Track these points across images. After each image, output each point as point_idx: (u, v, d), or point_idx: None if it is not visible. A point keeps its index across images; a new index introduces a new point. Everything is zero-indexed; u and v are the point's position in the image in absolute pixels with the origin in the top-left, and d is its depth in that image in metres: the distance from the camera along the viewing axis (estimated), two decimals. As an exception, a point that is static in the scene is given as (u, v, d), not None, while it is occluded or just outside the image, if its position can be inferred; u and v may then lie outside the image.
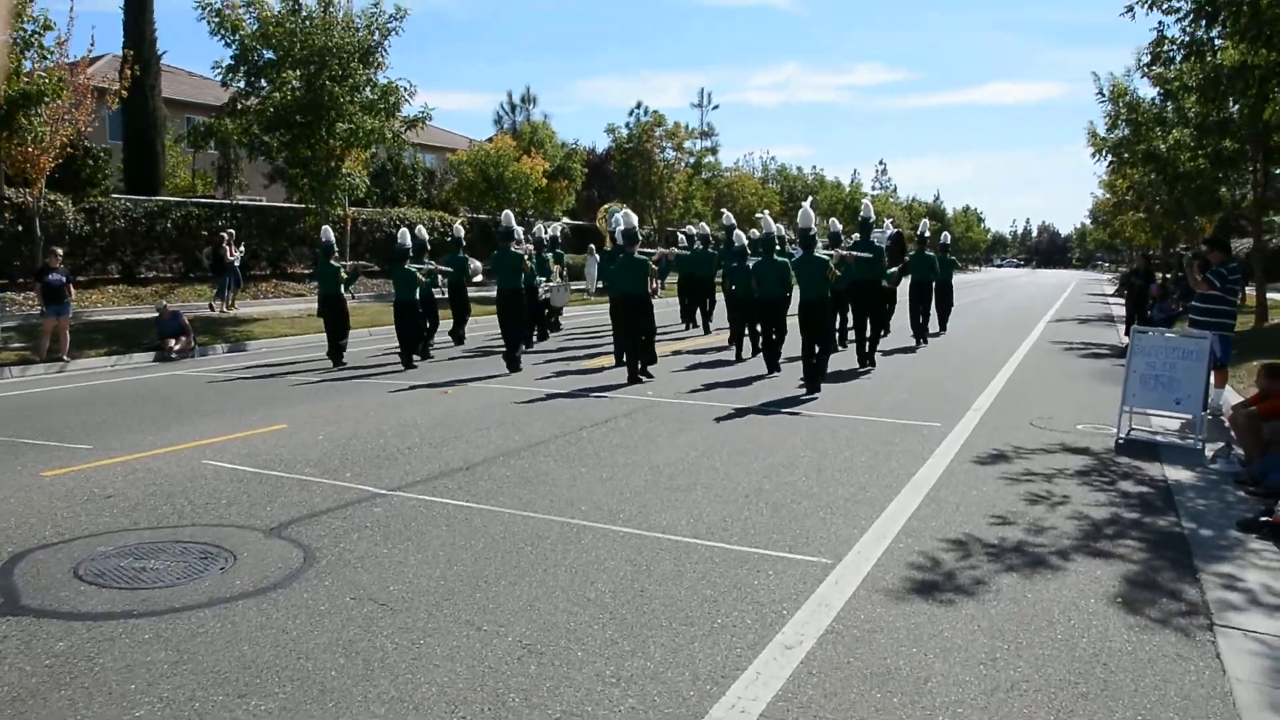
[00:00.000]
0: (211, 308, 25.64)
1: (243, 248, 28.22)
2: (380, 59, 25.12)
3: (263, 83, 24.76)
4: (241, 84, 25.03)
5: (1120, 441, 10.15)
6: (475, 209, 37.09)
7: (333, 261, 16.90)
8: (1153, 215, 37.03)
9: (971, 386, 13.95)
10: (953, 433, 10.43)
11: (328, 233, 17.20)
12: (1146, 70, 21.55)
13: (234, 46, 23.67)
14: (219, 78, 24.81)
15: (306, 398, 13.09)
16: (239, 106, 26.11)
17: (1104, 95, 26.17)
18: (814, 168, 70.16)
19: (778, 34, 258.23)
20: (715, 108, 67.39)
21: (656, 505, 7.51)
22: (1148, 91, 25.12)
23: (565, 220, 42.74)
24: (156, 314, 20.13)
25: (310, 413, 11.77)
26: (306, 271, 34.52)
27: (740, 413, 11.77)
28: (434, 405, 12.29)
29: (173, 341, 19.36)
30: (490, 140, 38.29)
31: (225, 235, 26.74)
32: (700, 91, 63.51)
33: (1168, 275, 28.25)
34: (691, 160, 46.78)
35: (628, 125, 45.80)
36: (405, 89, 25.03)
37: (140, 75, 31.44)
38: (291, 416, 11.47)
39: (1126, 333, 20.26)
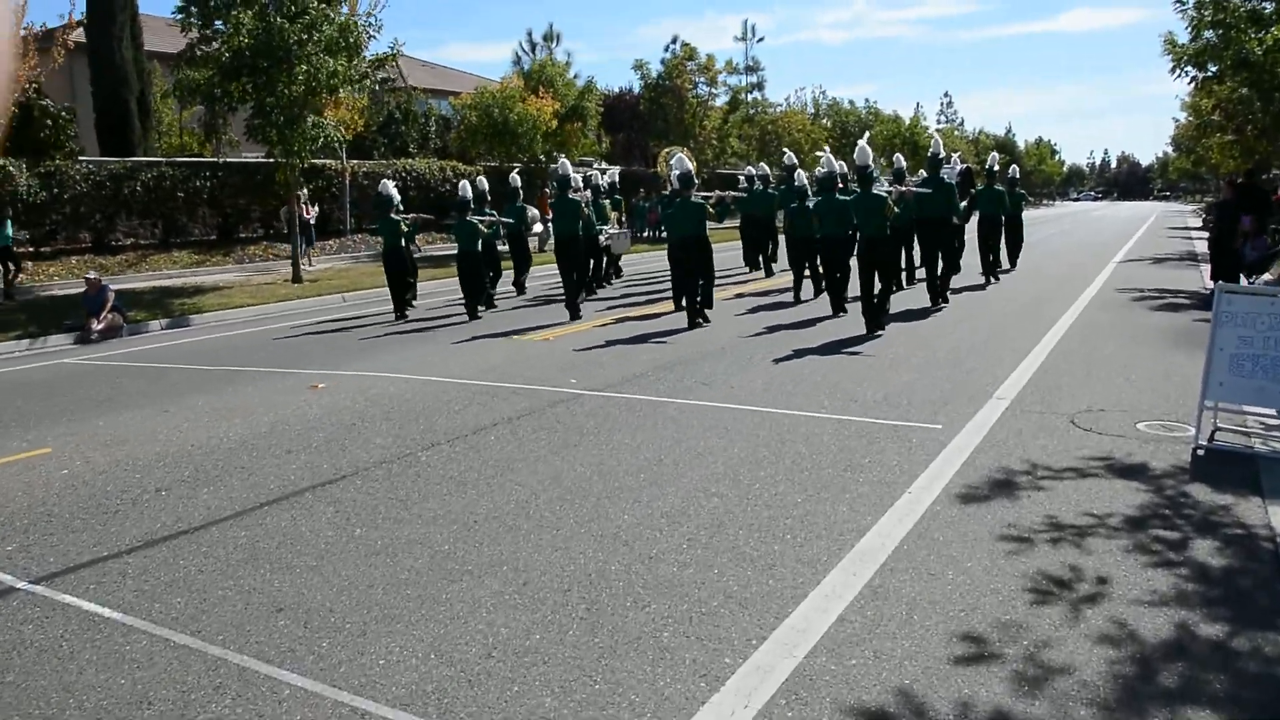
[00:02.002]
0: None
1: (317, 207, 28.03)
2: (342, -10, 22.19)
3: (220, 25, 22.03)
4: (197, 29, 22.30)
5: (1200, 452, 6.92)
6: (480, 157, 34.00)
7: (393, 215, 16.72)
8: (1244, 137, 32.60)
9: (1004, 357, 10.73)
10: (955, 440, 7.33)
11: (387, 186, 17.08)
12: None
13: (184, -18, 21.01)
14: (179, 20, 22.14)
15: (218, 386, 10.30)
16: (197, 53, 23.42)
17: (1181, 3, 22.06)
18: (868, 101, 65.38)
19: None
20: (760, 40, 63.14)
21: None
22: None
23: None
24: (84, 288, 17.61)
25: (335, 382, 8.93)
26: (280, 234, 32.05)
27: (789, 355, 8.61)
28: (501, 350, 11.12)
29: (94, 321, 16.80)
30: (500, 82, 35.02)
31: (301, 194, 26.14)
32: (744, 24, 58.96)
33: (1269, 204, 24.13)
34: (726, 96, 43.07)
35: (662, 62, 42.34)
36: (370, 24, 22.01)
37: (104, 25, 29.13)
38: (188, 412, 8.66)
39: (1212, 277, 16.80)
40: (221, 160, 29.89)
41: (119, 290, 21.31)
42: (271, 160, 24.12)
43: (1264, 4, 20.29)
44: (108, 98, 28.96)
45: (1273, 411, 7.37)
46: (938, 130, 79.47)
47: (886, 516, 5.68)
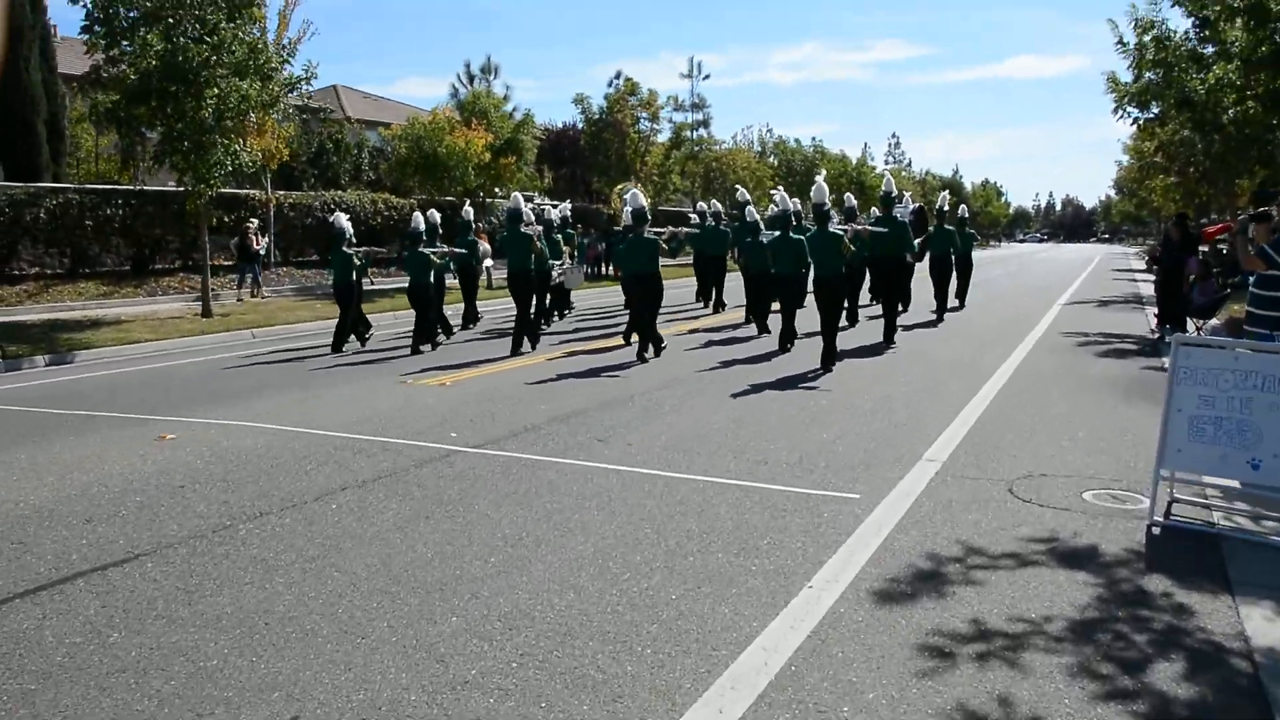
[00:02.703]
0: (240, 299, 25.89)
1: (268, 237, 28.22)
2: (255, 11, 20.98)
3: (126, 46, 20.78)
4: (103, 49, 21.04)
5: (1155, 531, 5.88)
6: (412, 190, 32.73)
7: (345, 249, 16.28)
8: (1185, 179, 32.33)
9: (939, 409, 9.69)
10: (874, 514, 6.23)
11: (340, 219, 16.72)
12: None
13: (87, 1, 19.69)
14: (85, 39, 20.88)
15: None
16: (103, 75, 22.17)
17: (1123, 45, 21.54)
18: (814, 140, 65.08)
19: (798, 12, 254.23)
20: (706, 78, 62.62)
21: None
22: (1180, 23, 20.57)
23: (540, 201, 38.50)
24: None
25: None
26: (227, 263, 30.56)
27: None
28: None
29: (-45, 358, 15.44)
30: (433, 113, 33.83)
31: (250, 225, 26.73)
32: (690, 61, 58.24)
33: (1214, 248, 23.64)
34: (668, 132, 42.29)
35: (605, 97, 41.47)
36: (280, 46, 20.89)
37: (10, 45, 27.63)
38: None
39: (1160, 324, 16.01)
40: (137, 188, 28.37)
41: (9, 323, 19.88)
42: (181, 188, 22.76)
43: (1204, 46, 19.77)
44: (12, 120, 27.40)
45: (1236, 483, 6.31)
46: (884, 171, 79.67)
47: (777, 621, 4.55)
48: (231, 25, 20.48)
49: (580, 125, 44.80)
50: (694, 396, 10.77)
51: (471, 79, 41.09)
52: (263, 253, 27.33)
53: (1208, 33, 19.08)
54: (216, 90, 20.30)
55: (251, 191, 31.56)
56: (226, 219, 29.76)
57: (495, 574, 5.25)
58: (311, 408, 10.52)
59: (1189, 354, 6.12)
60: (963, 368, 12.68)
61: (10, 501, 6.96)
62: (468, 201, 26.49)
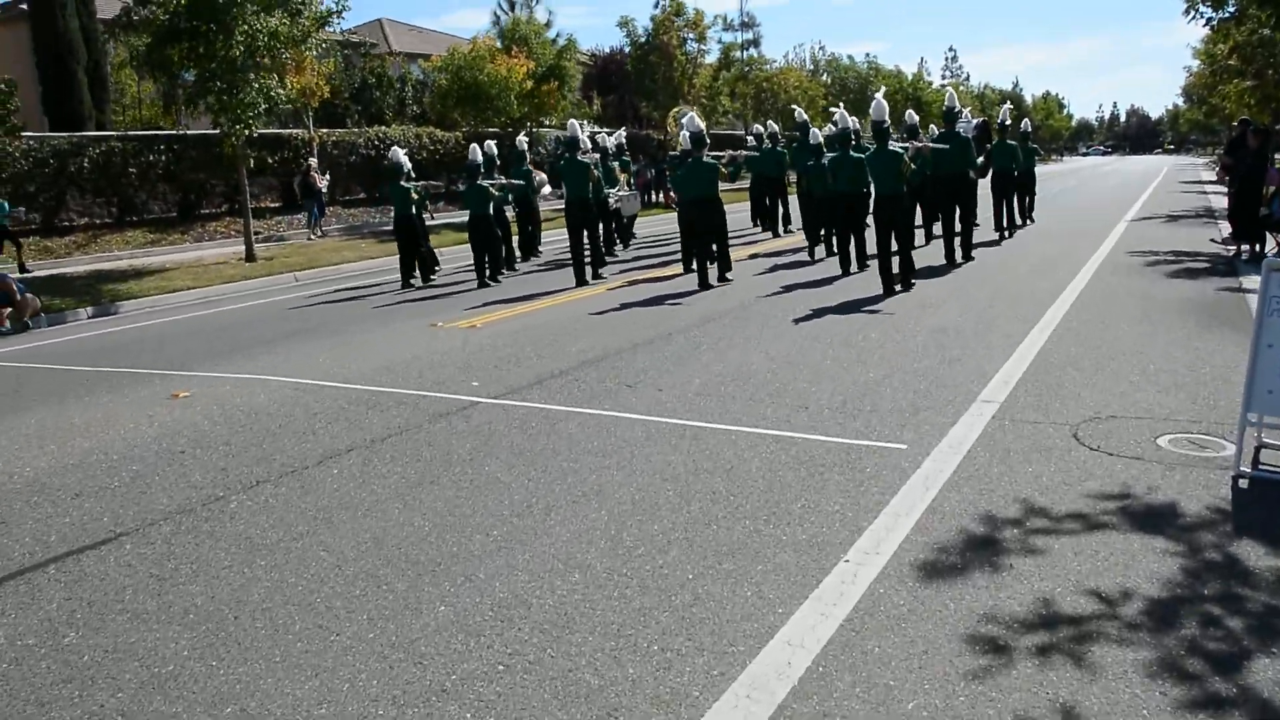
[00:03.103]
0: (309, 237, 26.30)
1: (328, 175, 28.24)
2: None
3: (154, -15, 20.37)
4: (129, -12, 20.65)
5: (1242, 484, 5.18)
6: (457, 122, 32.02)
7: (403, 183, 16.36)
8: (1263, 82, 30.47)
9: (997, 342, 8.98)
10: (923, 467, 5.62)
11: (397, 153, 16.80)
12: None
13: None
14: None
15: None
16: (134, 18, 21.76)
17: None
18: (869, 56, 63.06)
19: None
20: (758, -6, 60.70)
21: None
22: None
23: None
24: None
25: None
26: (274, 205, 30.32)
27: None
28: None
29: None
30: (473, 41, 32.98)
31: (310, 163, 26.93)
32: (739, -23, 56.47)
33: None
34: (715, 53, 40.99)
35: (651, 18, 40.19)
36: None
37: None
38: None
39: (1234, 237, 14.95)
40: (180, 132, 28.03)
41: (56, 275, 19.78)
42: (218, 130, 22.37)
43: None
44: (52, 68, 27.12)
45: (1338, 426, 5.58)
46: (940, 87, 77.12)
47: (805, 607, 3.98)
48: (256, -42, 19.82)
49: (627, 49, 43.60)
50: (735, 332, 10.14)
51: (513, 5, 39.92)
52: (324, 190, 27.44)
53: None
54: (245, 27, 19.75)
55: (295, 130, 31.14)
56: (270, 160, 29.43)
57: (496, 550, 4.73)
58: (335, 357, 10.07)
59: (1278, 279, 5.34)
60: (1023, 294, 11.88)
61: (4, 474, 6.57)
62: (522, 132, 26.14)
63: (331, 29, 23.38)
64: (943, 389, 7.42)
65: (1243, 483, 5.28)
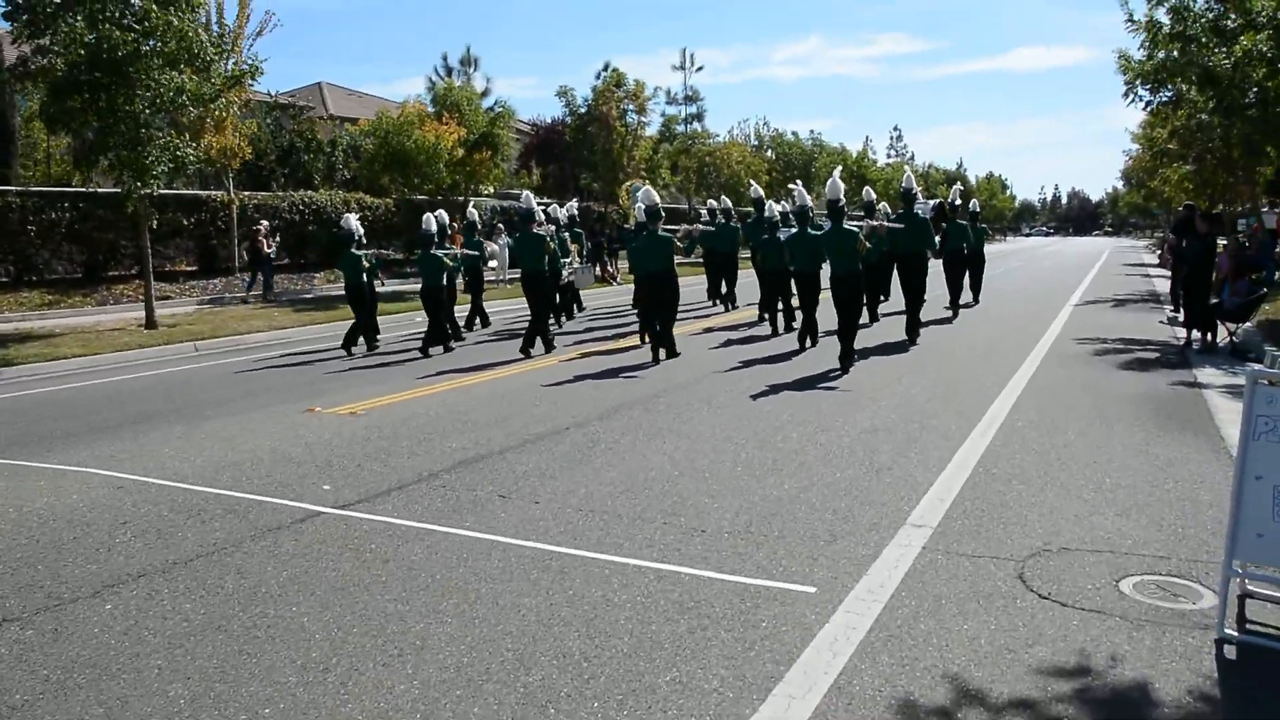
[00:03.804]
0: (245, 300, 25.60)
1: (277, 238, 27.76)
2: (194, -1, 19.34)
3: (51, 33, 19.19)
4: (26, 37, 19.42)
5: (1228, 650, 4.11)
6: (386, 189, 30.92)
7: (354, 250, 16.23)
8: (1203, 166, 30.35)
9: (933, 446, 7.91)
10: (831, 622, 4.48)
11: (349, 220, 16.79)
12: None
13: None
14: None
15: None
16: (31, 67, 20.52)
17: (1133, 21, 19.56)
18: (813, 133, 63.18)
19: (799, 6, 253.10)
20: (699, 69, 60.94)
21: None
22: (1199, -7, 18.61)
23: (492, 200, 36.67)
24: None
25: None
26: (188, 269, 28.89)
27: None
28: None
29: None
30: (402, 106, 32.00)
31: (260, 227, 26.35)
32: (682, 53, 56.53)
33: (1239, 236, 21.75)
34: (656, 125, 40.45)
35: (592, 89, 39.59)
36: (211, 35, 19.22)
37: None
38: None
39: (1184, 325, 14.20)
40: (89, 189, 26.57)
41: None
42: (119, 188, 21.09)
43: (1225, 19, 17.85)
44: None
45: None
46: (886, 165, 77.91)
47: None
48: (164, 12, 18.72)
49: (568, 120, 42.98)
50: (642, 426, 9.00)
51: (449, 71, 39.19)
52: (272, 255, 26.69)
53: (1229, 2, 17.19)
54: (149, 81, 18.62)
55: (213, 192, 29.89)
56: (186, 221, 28.15)
57: None
58: (183, 447, 8.75)
59: (1273, 396, 4.29)
60: (965, 384, 10.91)
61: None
62: (473, 203, 25.39)
63: (261, 89, 22.26)
64: (867, 508, 6.29)
65: (1229, 650, 4.19)
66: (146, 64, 18.54)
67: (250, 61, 20.67)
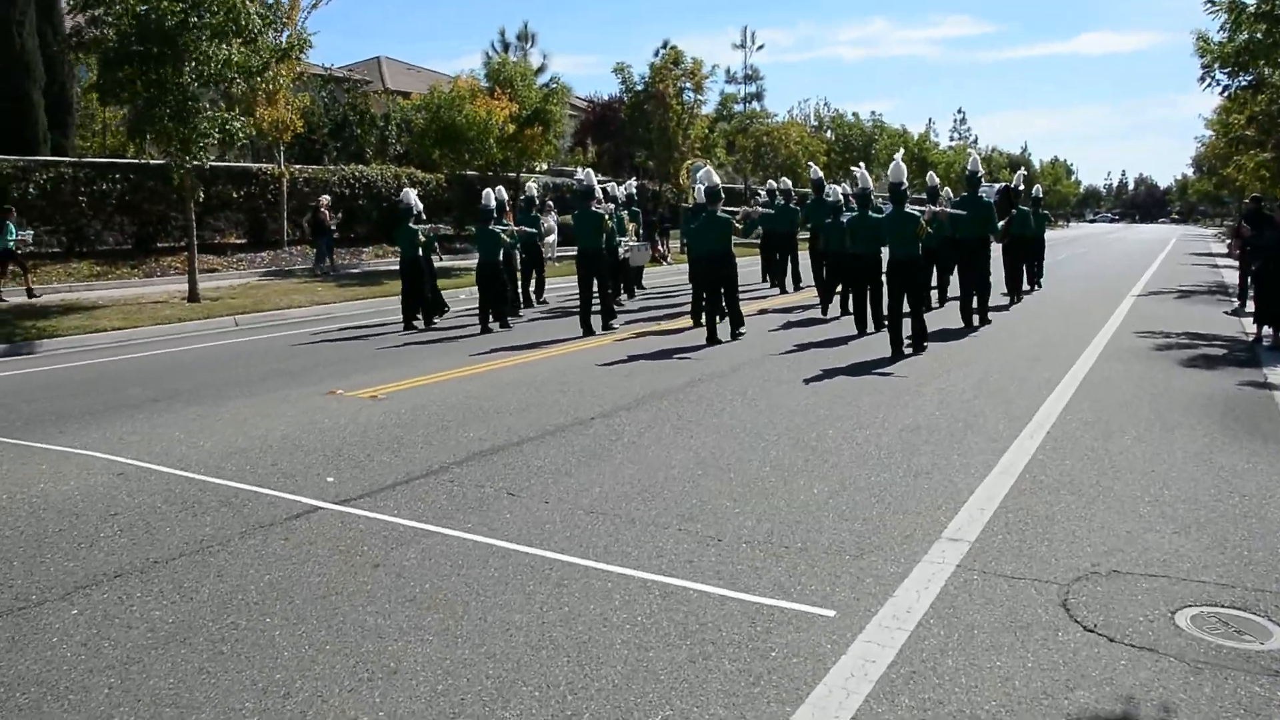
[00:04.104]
0: (315, 272, 25.79)
1: (339, 213, 27.90)
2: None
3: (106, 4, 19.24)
4: (81, 7, 19.48)
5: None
6: (438, 163, 30.64)
7: (411, 224, 16.24)
8: (1284, 152, 29.14)
9: (977, 447, 7.40)
10: (849, 653, 4.01)
11: (408, 195, 16.75)
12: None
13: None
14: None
15: None
16: (84, 38, 20.55)
17: (1213, 2, 18.59)
18: (874, 114, 61.97)
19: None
20: (760, 48, 60.00)
21: None
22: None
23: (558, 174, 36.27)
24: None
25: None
26: (238, 242, 28.92)
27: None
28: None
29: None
30: (455, 81, 31.65)
31: (322, 200, 26.52)
32: (743, 31, 55.69)
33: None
34: (713, 103, 39.73)
35: (650, 66, 38.94)
36: (261, 7, 19.03)
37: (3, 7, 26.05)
38: None
39: (1258, 325, 13.44)
40: (142, 161, 26.63)
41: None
42: (165, 160, 21.05)
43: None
44: (5, 89, 25.77)
45: None
46: (948, 148, 76.38)
47: None
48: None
49: (625, 98, 42.36)
50: (670, 417, 8.57)
51: (506, 47, 38.70)
52: (334, 229, 26.87)
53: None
54: (198, 54, 18.54)
55: (264, 165, 29.87)
56: (236, 194, 28.15)
57: None
58: (194, 431, 8.48)
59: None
60: (1017, 380, 10.32)
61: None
62: (531, 179, 25.16)
63: (318, 63, 22.09)
64: (900, 517, 5.81)
65: (1303, 709, 3.65)
66: (195, 35, 18.40)
67: (299, 35, 20.42)
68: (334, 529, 5.74)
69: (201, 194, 21.28)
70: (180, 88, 18.83)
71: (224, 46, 19.12)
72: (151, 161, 25.35)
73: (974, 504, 6.06)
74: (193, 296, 20.68)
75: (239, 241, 28.93)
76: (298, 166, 30.17)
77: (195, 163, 19.53)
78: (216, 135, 19.88)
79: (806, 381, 10.34)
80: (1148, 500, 6.16)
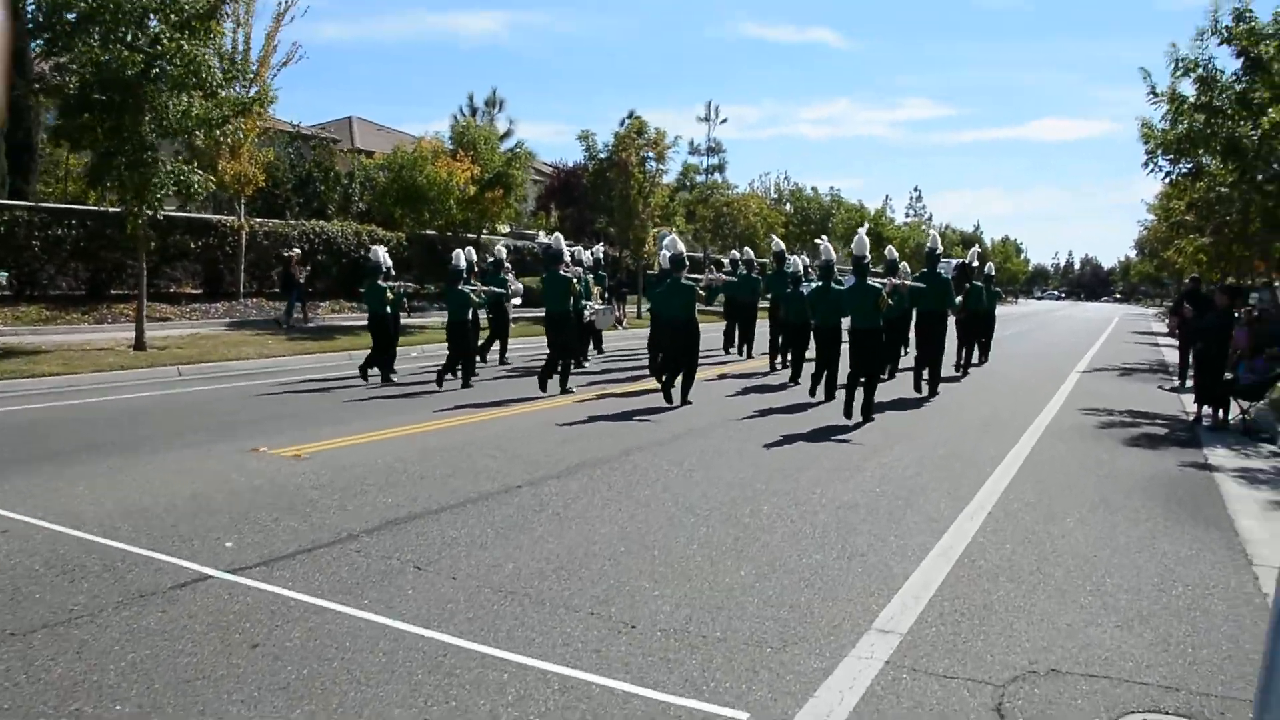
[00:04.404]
0: (281, 324, 25.33)
1: (308, 267, 27.68)
2: (214, 24, 19.12)
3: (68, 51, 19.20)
4: (42, 54, 19.45)
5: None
6: (399, 222, 30.46)
7: (380, 282, 16.32)
8: (1220, 238, 29.73)
9: (914, 529, 7.07)
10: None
11: (377, 252, 16.77)
12: (1226, 32, 16.08)
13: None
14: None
15: None
16: (49, 83, 20.49)
17: (1155, 94, 18.95)
18: (831, 189, 62.88)
19: (829, 70, 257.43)
20: (723, 122, 60.60)
21: None
22: (1229, 63, 18.19)
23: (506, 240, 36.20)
24: None
25: None
26: (193, 292, 28.48)
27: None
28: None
29: None
30: (418, 142, 31.62)
31: (293, 254, 26.60)
32: (707, 105, 56.37)
33: (1251, 310, 21.05)
34: (675, 173, 39.87)
35: (614, 135, 39.07)
36: (225, 62, 18.93)
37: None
38: None
39: (1195, 401, 13.46)
40: (100, 208, 26.22)
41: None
42: (119, 209, 20.74)
43: (1254, 92, 17.30)
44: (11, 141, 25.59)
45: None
46: (904, 224, 77.54)
47: None
48: (177, 37, 18.44)
49: (587, 163, 42.52)
50: (598, 489, 8.21)
51: (474, 111, 38.83)
52: (302, 280, 26.53)
53: (1258, 75, 16.62)
54: (157, 104, 18.34)
55: (223, 217, 29.60)
56: (194, 245, 27.81)
57: None
58: (99, 487, 8.00)
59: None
60: (960, 457, 10.05)
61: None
62: (500, 242, 25.00)
63: (289, 119, 21.98)
64: (830, 604, 5.46)
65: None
66: (155, 86, 18.22)
67: (261, 90, 20.35)
68: (219, 601, 5.30)
69: (154, 243, 20.94)
70: (139, 137, 18.58)
71: (184, 98, 18.90)
72: (110, 209, 24.96)
73: (908, 591, 5.73)
74: (139, 345, 20.21)
75: (194, 291, 28.53)
76: (258, 220, 29.90)
77: (149, 212, 19.15)
78: (173, 188, 19.59)
79: (748, 452, 10.03)
80: (1089, 589, 5.87)
